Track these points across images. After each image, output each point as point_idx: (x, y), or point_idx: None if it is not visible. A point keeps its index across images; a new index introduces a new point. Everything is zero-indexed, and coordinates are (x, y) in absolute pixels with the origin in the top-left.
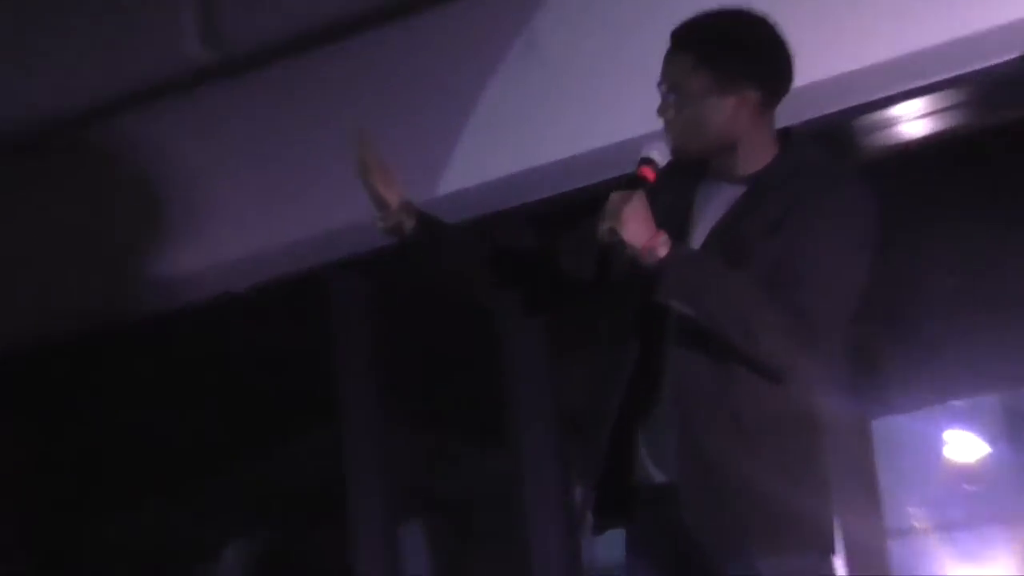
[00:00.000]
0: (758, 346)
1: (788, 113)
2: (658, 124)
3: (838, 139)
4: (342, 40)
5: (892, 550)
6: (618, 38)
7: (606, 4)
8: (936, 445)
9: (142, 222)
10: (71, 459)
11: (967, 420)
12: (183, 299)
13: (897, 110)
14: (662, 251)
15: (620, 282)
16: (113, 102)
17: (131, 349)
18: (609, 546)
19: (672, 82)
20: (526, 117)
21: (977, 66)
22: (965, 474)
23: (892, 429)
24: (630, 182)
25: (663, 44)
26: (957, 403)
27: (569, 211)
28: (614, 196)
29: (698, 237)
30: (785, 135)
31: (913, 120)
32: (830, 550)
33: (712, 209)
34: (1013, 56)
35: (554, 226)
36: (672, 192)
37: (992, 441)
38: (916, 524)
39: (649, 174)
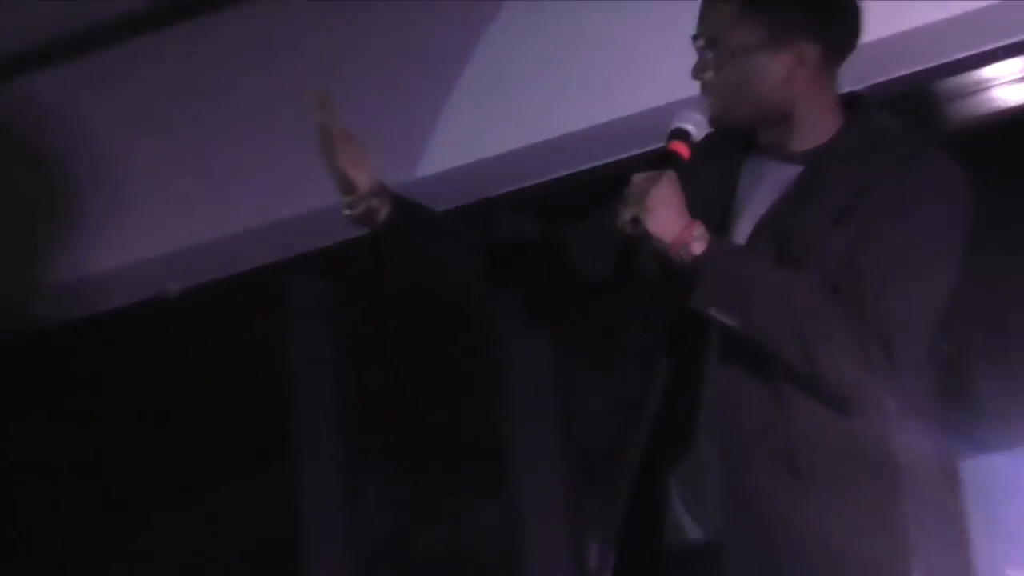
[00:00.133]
0: (819, 367)
1: (855, 75)
2: (693, 88)
3: (919, 106)
4: None
5: None
6: None
7: None
8: None
9: (45, 212)
10: None
11: None
12: (102, 304)
13: (992, 70)
14: (697, 247)
15: (646, 285)
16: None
17: (37, 366)
18: None
19: (711, 35)
20: (527, 80)
21: None
22: None
23: (987, 472)
24: (659, 160)
25: None
26: None
27: (582, 196)
28: (638, 178)
29: (743, 229)
30: (852, 102)
31: (1012, 83)
32: None
33: (761, 194)
34: None
35: (563, 215)
36: (710, 173)
37: None
38: None
39: (682, 150)
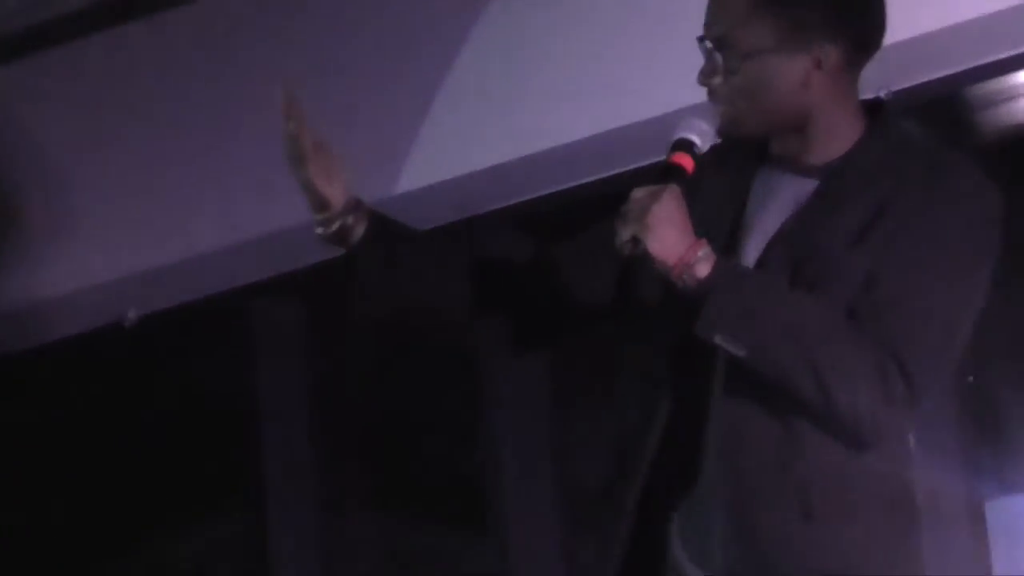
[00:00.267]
0: (832, 399)
1: (877, 80)
2: (698, 95)
3: (946, 115)
4: None
5: None
6: None
7: None
8: None
9: None
10: None
11: None
12: (52, 333)
13: None
14: (702, 268)
15: (647, 309)
16: None
17: None
18: None
19: (720, 35)
20: (516, 87)
21: None
22: None
23: (1013, 513)
24: (661, 174)
25: None
26: None
27: (575, 214)
28: (638, 193)
29: (753, 248)
30: (873, 109)
31: None
32: None
33: (773, 209)
34: None
35: (555, 234)
36: (718, 186)
37: None
38: None
39: (686, 162)
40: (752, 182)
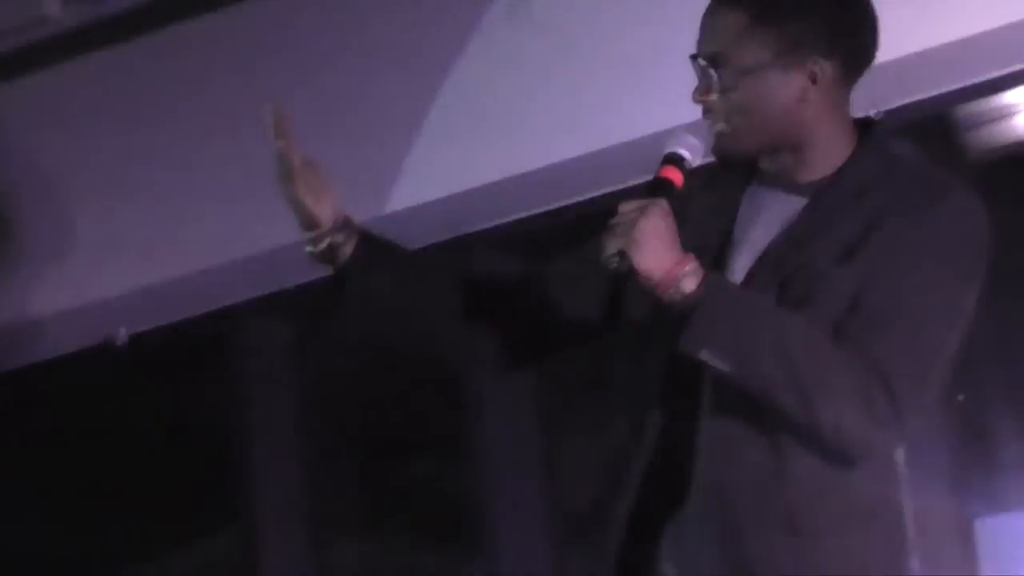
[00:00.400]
0: (817, 416)
1: (867, 98)
2: (690, 114)
3: (936, 133)
4: None
5: None
6: None
7: None
8: None
9: None
10: None
11: None
12: (40, 353)
13: (1016, 95)
14: (689, 284)
15: (636, 326)
16: None
17: None
18: None
19: (715, 52)
20: (508, 106)
21: None
22: None
23: (1003, 532)
24: (649, 188)
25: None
26: None
27: (567, 232)
28: (626, 207)
29: (742, 264)
30: (864, 127)
31: None
32: None
33: (763, 226)
34: None
35: (546, 252)
36: (707, 201)
37: None
38: None
39: (676, 177)
40: (741, 198)
